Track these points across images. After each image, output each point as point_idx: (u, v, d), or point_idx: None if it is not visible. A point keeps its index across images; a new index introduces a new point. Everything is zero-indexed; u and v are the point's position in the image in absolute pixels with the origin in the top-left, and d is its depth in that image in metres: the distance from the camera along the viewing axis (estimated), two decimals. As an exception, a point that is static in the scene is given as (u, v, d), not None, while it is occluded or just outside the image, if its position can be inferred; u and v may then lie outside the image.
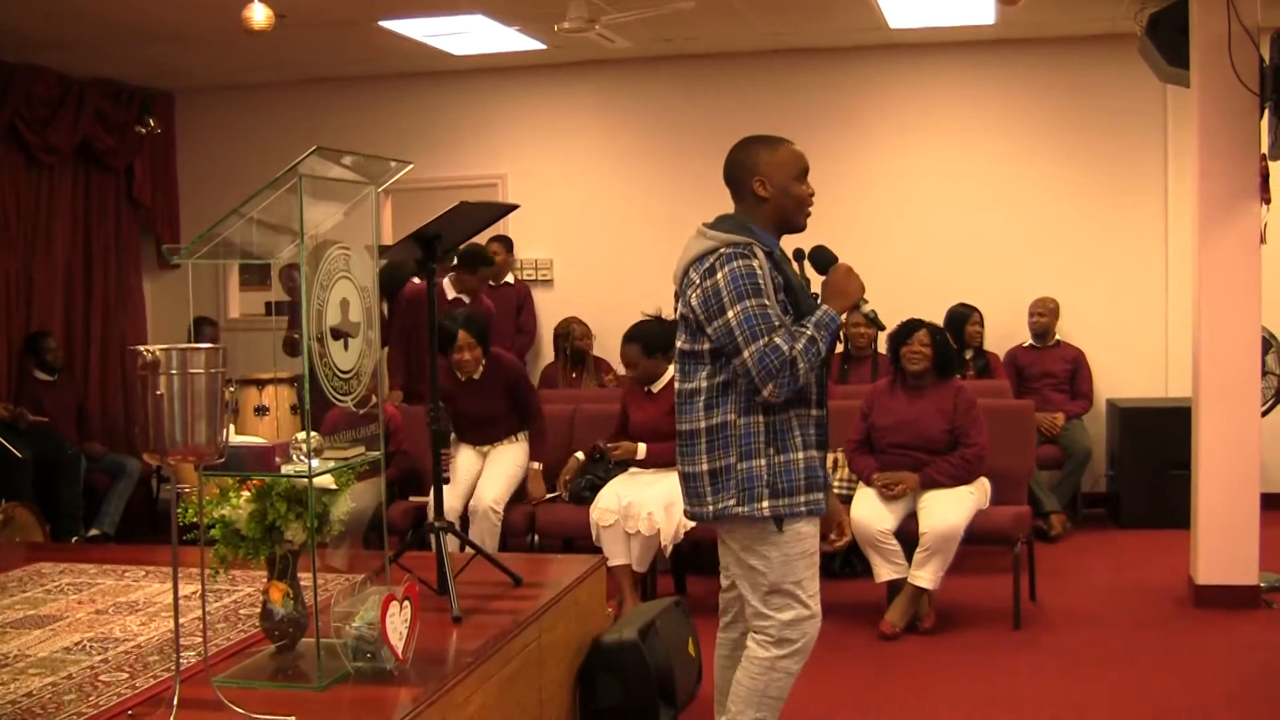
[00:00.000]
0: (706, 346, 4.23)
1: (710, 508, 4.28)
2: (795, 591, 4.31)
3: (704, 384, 4.27)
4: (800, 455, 4.25)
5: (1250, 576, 7.19)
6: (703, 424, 4.27)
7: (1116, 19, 9.28)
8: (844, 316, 4.36)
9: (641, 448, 7.41)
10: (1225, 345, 7.18)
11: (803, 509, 4.25)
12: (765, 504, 4.20)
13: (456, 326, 7.59)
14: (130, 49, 9.79)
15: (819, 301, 4.32)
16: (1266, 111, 7.05)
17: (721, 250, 4.18)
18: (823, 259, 4.49)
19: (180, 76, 11.08)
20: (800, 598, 4.32)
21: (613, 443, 7.55)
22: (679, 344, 4.39)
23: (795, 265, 4.46)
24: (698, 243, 4.28)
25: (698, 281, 4.21)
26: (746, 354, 4.09)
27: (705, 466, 4.28)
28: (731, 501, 4.23)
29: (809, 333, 4.15)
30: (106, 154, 10.84)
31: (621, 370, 10.15)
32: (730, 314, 4.11)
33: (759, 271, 4.15)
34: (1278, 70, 6.81)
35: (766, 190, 4.31)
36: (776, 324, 4.12)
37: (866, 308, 4.49)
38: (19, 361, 9.83)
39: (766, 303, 4.13)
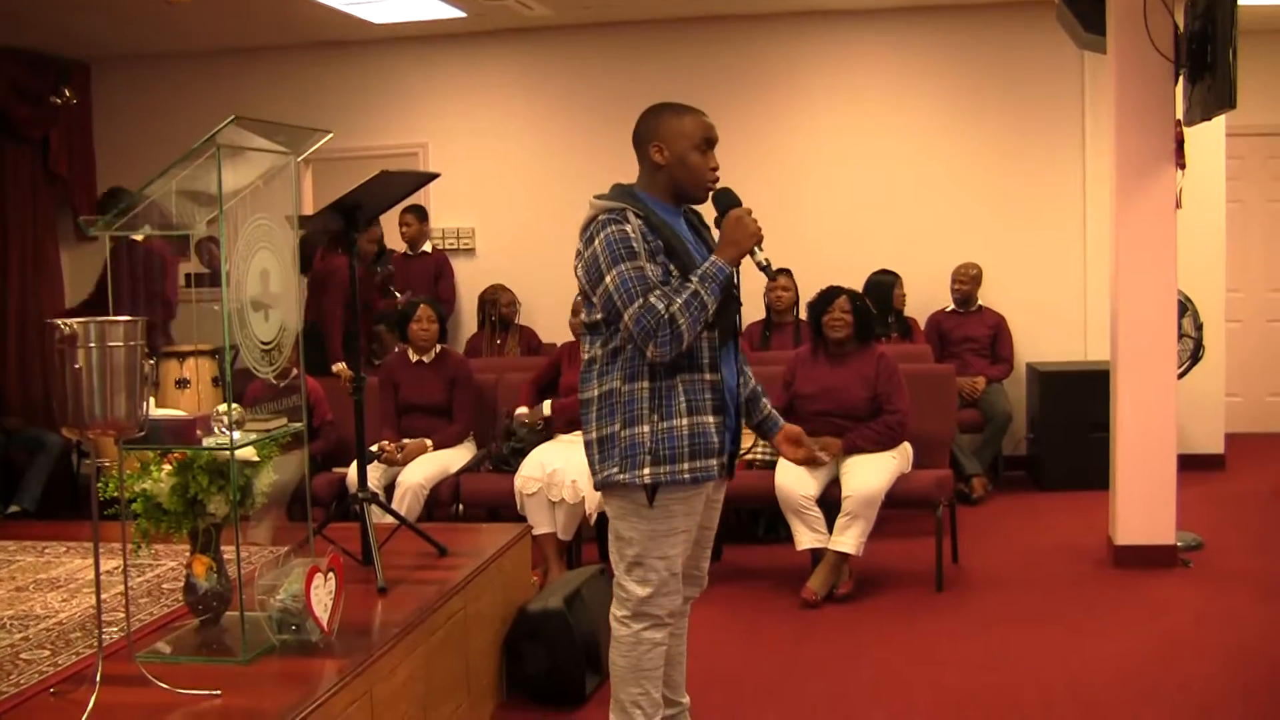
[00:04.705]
0: (599, 316, 4.19)
1: (599, 476, 4.25)
2: (657, 566, 4.24)
3: (598, 353, 4.24)
4: (685, 421, 4.17)
5: (1168, 536, 7.29)
6: (595, 392, 4.24)
7: (1035, -14, 9.35)
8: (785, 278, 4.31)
9: (546, 405, 7.53)
10: (1142, 309, 7.26)
11: (685, 476, 4.18)
12: (647, 471, 4.14)
13: (419, 302, 8.07)
14: (45, 17, 9.63)
15: (714, 253, 4.22)
16: (1181, 78, 7.12)
17: (598, 218, 4.15)
18: (724, 203, 4.35)
19: (96, 46, 10.92)
20: (661, 574, 4.25)
21: (523, 411, 7.78)
22: (582, 316, 4.36)
23: (715, 232, 4.43)
24: (586, 213, 4.25)
25: (581, 250, 4.20)
26: (626, 316, 4.04)
27: (594, 434, 4.24)
28: (615, 469, 4.17)
29: (692, 286, 4.09)
30: (21, 125, 10.67)
31: (545, 340, 10.20)
32: (608, 279, 4.07)
33: (632, 235, 4.10)
34: (1192, 37, 6.87)
35: (663, 157, 4.24)
36: (652, 284, 4.06)
37: (760, 256, 4.28)
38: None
39: (642, 265, 4.07)
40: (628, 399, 4.17)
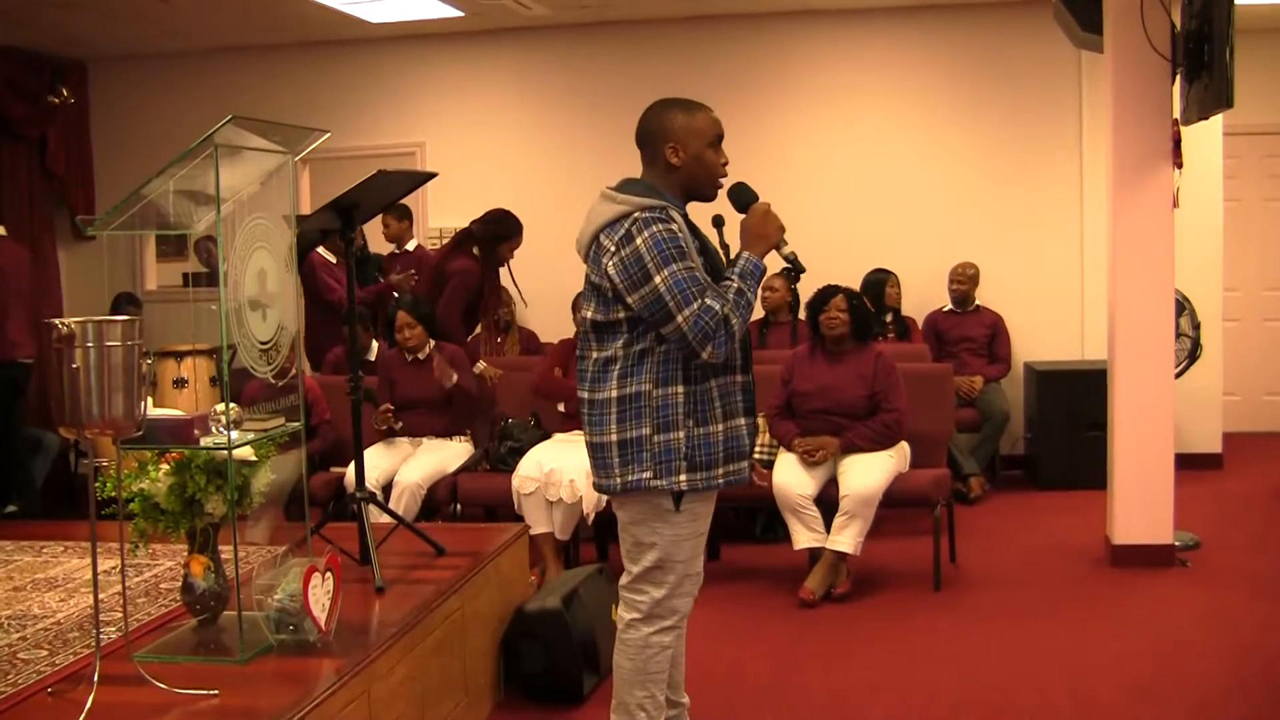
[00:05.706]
0: (622, 315, 4.08)
1: (618, 480, 4.14)
2: (677, 569, 4.21)
3: (620, 352, 4.11)
4: (720, 427, 4.14)
5: (1165, 536, 7.29)
6: (615, 393, 4.11)
7: (1032, -15, 9.35)
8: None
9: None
10: (1140, 308, 7.26)
11: (720, 481, 4.16)
12: (683, 477, 4.09)
13: (397, 308, 7.93)
14: (42, 17, 9.62)
15: (742, 249, 4.19)
16: (1178, 77, 7.13)
17: (636, 215, 4.03)
18: (742, 198, 4.32)
19: (93, 45, 10.91)
20: (679, 574, 4.23)
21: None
22: (588, 314, 4.20)
23: (715, 232, 4.41)
24: (606, 207, 4.12)
25: (613, 249, 4.04)
26: (680, 318, 3.94)
27: (614, 437, 4.12)
28: (647, 474, 4.09)
29: (735, 284, 4.06)
30: (18, 124, 10.66)
31: (545, 341, 10.16)
32: (658, 279, 3.95)
33: (680, 234, 4.01)
34: (1189, 36, 6.87)
35: (679, 157, 4.17)
36: (705, 286, 3.99)
37: (786, 249, 4.26)
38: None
39: (693, 265, 3.99)
40: (661, 403, 4.08)
